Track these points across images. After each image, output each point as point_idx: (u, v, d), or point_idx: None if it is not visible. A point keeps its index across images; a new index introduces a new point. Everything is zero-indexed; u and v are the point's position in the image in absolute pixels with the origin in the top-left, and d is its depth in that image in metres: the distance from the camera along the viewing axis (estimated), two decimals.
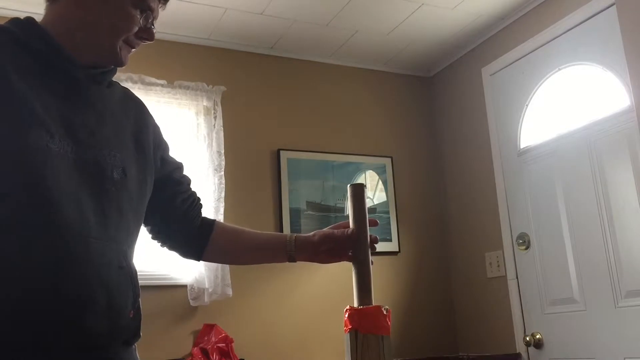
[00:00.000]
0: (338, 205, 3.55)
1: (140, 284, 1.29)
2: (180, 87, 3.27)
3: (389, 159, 3.77)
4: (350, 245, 1.30)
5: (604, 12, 2.86)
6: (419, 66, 3.97)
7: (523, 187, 3.28)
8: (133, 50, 1.24)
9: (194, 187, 1.45)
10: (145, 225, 1.33)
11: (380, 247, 3.53)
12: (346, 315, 1.53)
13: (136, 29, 1.19)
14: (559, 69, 3.11)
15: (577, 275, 2.94)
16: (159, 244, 1.40)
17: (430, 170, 3.92)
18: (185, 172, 1.41)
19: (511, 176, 3.37)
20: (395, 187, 3.75)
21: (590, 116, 2.94)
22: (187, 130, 3.26)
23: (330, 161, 3.61)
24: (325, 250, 1.34)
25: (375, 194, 3.69)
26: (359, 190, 1.28)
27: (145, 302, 3.49)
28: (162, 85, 3.22)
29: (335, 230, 1.33)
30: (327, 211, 3.52)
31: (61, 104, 1.11)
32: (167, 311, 3.02)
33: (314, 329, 3.32)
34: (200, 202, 1.43)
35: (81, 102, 1.15)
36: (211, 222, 1.41)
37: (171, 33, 3.34)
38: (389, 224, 3.66)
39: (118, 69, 1.27)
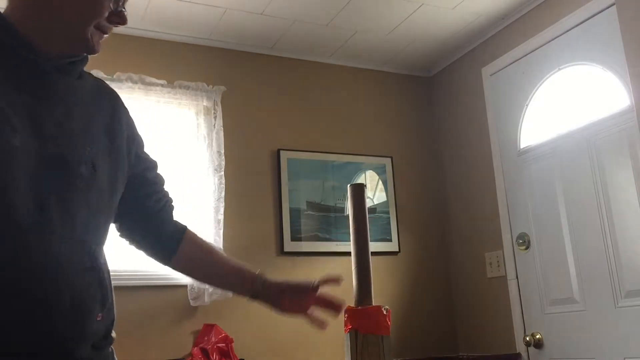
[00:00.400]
0: (338, 205, 3.55)
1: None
2: (180, 87, 3.27)
3: (389, 159, 3.77)
4: (313, 301, 1.34)
5: (604, 12, 2.86)
6: (419, 66, 3.97)
7: (523, 187, 3.28)
8: (105, 36, 1.16)
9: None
10: (114, 222, 1.27)
11: (380, 247, 3.57)
12: (346, 315, 1.53)
13: (107, 13, 1.12)
14: (559, 69, 3.11)
15: (577, 275, 2.94)
16: (127, 242, 1.35)
17: (430, 170, 3.91)
18: (159, 171, 1.36)
19: (511, 176, 3.36)
20: (395, 187, 3.75)
21: (590, 116, 2.94)
22: (187, 130, 3.26)
23: (330, 161, 3.61)
24: (288, 298, 1.36)
25: (375, 194, 3.69)
26: (359, 190, 1.28)
27: (145, 302, 3.47)
28: (162, 85, 3.22)
29: (303, 282, 1.36)
30: (327, 211, 3.52)
31: (27, 97, 1.05)
32: (167, 311, 3.02)
33: (314, 329, 3.32)
34: (173, 204, 1.38)
35: (49, 95, 1.09)
36: (182, 229, 1.36)
37: (171, 33, 3.34)
38: (389, 224, 3.66)
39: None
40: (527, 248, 3.23)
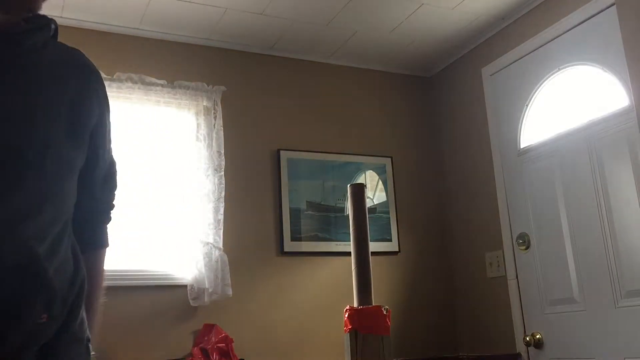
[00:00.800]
0: (338, 205, 3.55)
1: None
2: (180, 87, 3.27)
3: (389, 159, 3.77)
4: None
5: (604, 12, 2.86)
6: (419, 66, 3.97)
7: (523, 187, 3.28)
8: None
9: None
10: None
11: (380, 247, 3.57)
12: (346, 315, 1.53)
13: None
14: (559, 69, 3.11)
15: (577, 275, 2.94)
16: None
17: (430, 170, 3.91)
18: (114, 170, 1.23)
19: (511, 176, 3.37)
20: (395, 187, 3.75)
21: (590, 116, 2.94)
22: (187, 130, 3.26)
23: (330, 161, 3.61)
24: None
25: (375, 194, 3.69)
26: (359, 190, 1.28)
27: (145, 302, 3.48)
28: (162, 85, 3.22)
29: None
30: (327, 211, 3.52)
31: None
32: (167, 311, 3.02)
33: (314, 329, 3.32)
34: (112, 214, 1.24)
35: None
36: (95, 245, 1.21)
37: (171, 33, 3.34)
38: (389, 224, 3.66)
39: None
40: (527, 248, 3.23)
